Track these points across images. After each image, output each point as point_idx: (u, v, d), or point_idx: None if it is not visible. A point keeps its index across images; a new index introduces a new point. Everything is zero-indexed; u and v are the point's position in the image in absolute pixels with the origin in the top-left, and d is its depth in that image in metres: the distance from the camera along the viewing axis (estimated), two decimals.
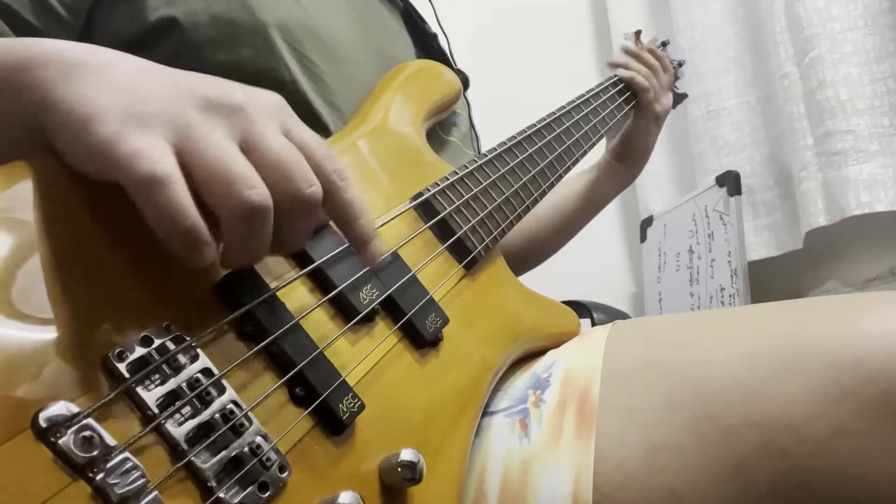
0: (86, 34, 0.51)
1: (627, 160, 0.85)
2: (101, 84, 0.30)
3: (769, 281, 1.37)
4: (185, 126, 0.30)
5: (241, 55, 0.52)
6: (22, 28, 0.48)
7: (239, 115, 0.32)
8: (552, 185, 0.65)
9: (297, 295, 0.38)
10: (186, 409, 0.29)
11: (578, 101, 0.74)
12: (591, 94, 0.77)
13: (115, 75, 0.31)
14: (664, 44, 0.93)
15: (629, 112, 0.82)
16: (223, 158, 0.30)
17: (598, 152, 0.85)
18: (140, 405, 0.28)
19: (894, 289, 1.19)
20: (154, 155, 0.28)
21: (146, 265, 0.32)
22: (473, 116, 0.84)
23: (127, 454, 0.26)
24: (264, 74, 0.52)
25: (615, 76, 0.83)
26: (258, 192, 0.30)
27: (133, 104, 0.30)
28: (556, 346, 0.56)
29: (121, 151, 0.28)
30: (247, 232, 0.31)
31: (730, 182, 1.33)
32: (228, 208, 0.30)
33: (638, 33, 0.91)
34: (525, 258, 0.84)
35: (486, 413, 0.49)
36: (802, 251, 1.29)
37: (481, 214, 0.54)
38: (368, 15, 0.67)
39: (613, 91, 0.81)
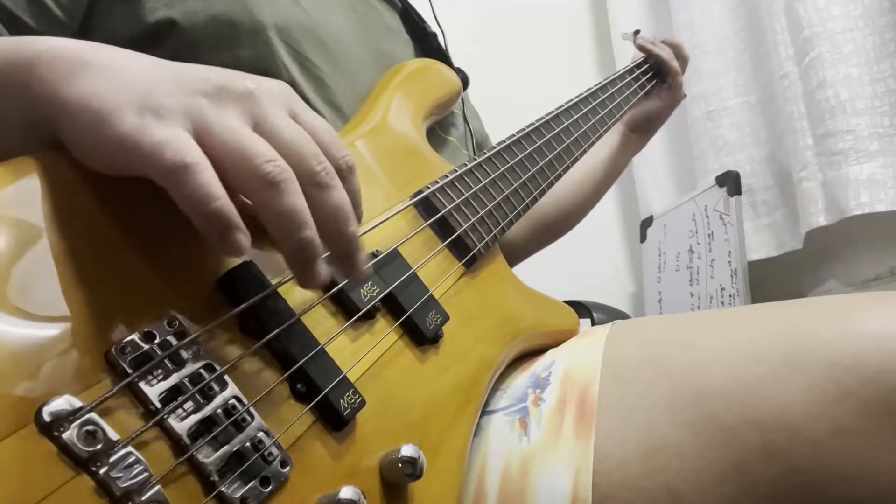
0: (84, 35, 0.51)
1: (646, 133, 0.94)
2: (110, 80, 0.30)
3: (769, 281, 1.37)
4: (200, 114, 0.31)
5: (240, 56, 0.53)
6: (18, 29, 0.48)
7: (248, 99, 0.33)
8: (552, 184, 0.65)
9: (298, 291, 0.38)
10: (189, 405, 0.30)
11: (585, 95, 0.75)
12: (598, 87, 0.78)
13: (122, 71, 0.31)
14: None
15: (647, 93, 0.89)
16: (238, 138, 0.31)
17: None
18: (143, 400, 0.28)
19: (894, 289, 1.19)
20: (180, 143, 0.29)
21: (149, 260, 0.32)
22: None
23: (130, 448, 0.27)
24: (263, 75, 0.53)
25: (639, 61, 0.90)
26: (277, 163, 0.31)
27: (146, 97, 0.30)
28: (555, 344, 0.56)
29: (146, 143, 0.29)
30: (276, 202, 0.31)
31: (730, 182, 1.33)
32: (252, 182, 0.31)
33: (636, 33, 0.93)
34: (554, 227, 0.90)
35: (485, 412, 0.49)
36: (802, 251, 1.29)
37: (481, 212, 0.54)
38: (368, 15, 0.67)
39: (636, 73, 0.87)
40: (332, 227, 0.33)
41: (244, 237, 0.30)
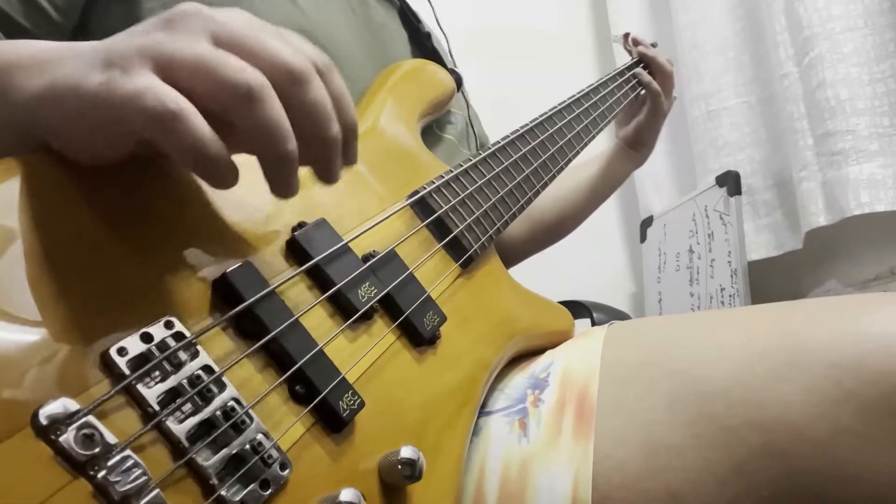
0: (80, 35, 0.51)
1: (640, 146, 0.91)
2: (72, 60, 0.30)
3: (769, 281, 1.37)
4: (158, 47, 0.30)
5: None
6: (13, 30, 0.48)
7: (199, 17, 0.31)
8: (546, 184, 0.65)
9: (296, 292, 0.38)
10: (187, 407, 0.29)
11: (578, 96, 0.75)
12: (591, 88, 0.78)
13: (85, 49, 0.31)
14: (653, 45, 0.94)
15: (634, 100, 0.88)
16: (202, 54, 0.29)
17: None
18: (140, 402, 0.28)
19: (894, 289, 1.19)
20: (157, 89, 0.28)
21: (145, 260, 0.32)
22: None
23: (128, 452, 0.26)
24: None
25: (632, 61, 0.90)
26: (246, 71, 0.29)
27: (105, 55, 0.30)
28: (552, 345, 0.56)
29: (118, 97, 0.28)
30: (255, 114, 0.29)
31: (730, 182, 1.33)
32: (226, 97, 0.29)
33: (626, 36, 0.93)
34: (553, 230, 0.89)
35: (484, 413, 0.49)
36: (802, 251, 1.29)
37: (477, 213, 0.54)
38: (366, 15, 0.67)
39: (627, 74, 0.86)
40: (311, 129, 0.32)
41: (234, 176, 0.30)
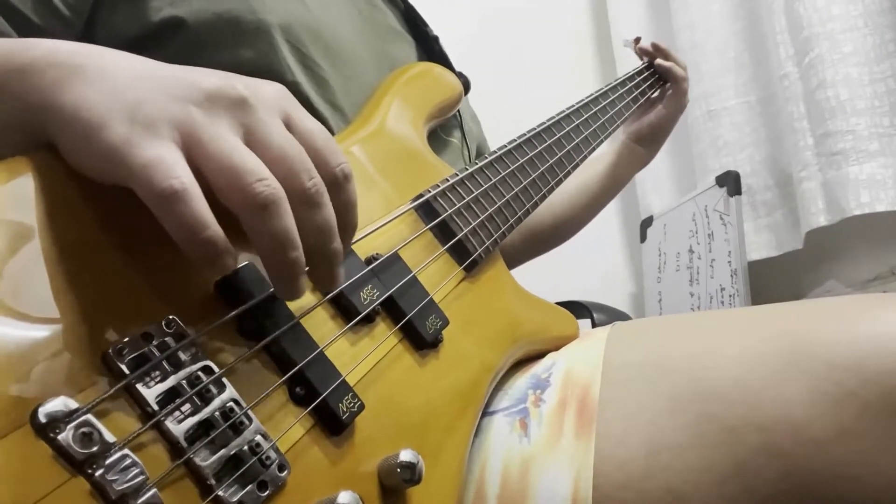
0: (88, 33, 0.51)
1: (650, 144, 0.91)
2: (102, 87, 0.30)
3: (769, 281, 1.37)
4: (190, 124, 0.30)
5: (243, 55, 0.52)
6: (24, 26, 0.48)
7: (241, 107, 0.32)
8: (553, 189, 0.65)
9: None
10: (186, 407, 0.29)
11: (586, 101, 0.75)
12: (600, 93, 0.78)
13: (115, 77, 0.31)
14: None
15: (650, 101, 0.88)
16: (229, 153, 0.30)
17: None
18: (140, 402, 0.28)
19: (894, 289, 1.19)
20: (168, 166, 0.28)
21: (147, 261, 0.32)
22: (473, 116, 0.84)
23: (126, 451, 0.26)
24: (266, 75, 0.52)
25: (640, 67, 0.89)
26: (267, 182, 0.30)
27: (135, 107, 0.30)
28: (555, 349, 0.56)
29: (134, 162, 0.28)
30: (266, 224, 0.30)
31: (730, 182, 1.33)
32: (242, 202, 0.30)
33: (637, 40, 0.93)
34: (549, 237, 0.89)
35: (485, 413, 0.49)
36: (802, 251, 1.29)
37: (482, 217, 0.54)
38: (371, 15, 0.67)
39: (637, 79, 0.86)
40: (315, 245, 0.33)
41: (231, 259, 0.30)
